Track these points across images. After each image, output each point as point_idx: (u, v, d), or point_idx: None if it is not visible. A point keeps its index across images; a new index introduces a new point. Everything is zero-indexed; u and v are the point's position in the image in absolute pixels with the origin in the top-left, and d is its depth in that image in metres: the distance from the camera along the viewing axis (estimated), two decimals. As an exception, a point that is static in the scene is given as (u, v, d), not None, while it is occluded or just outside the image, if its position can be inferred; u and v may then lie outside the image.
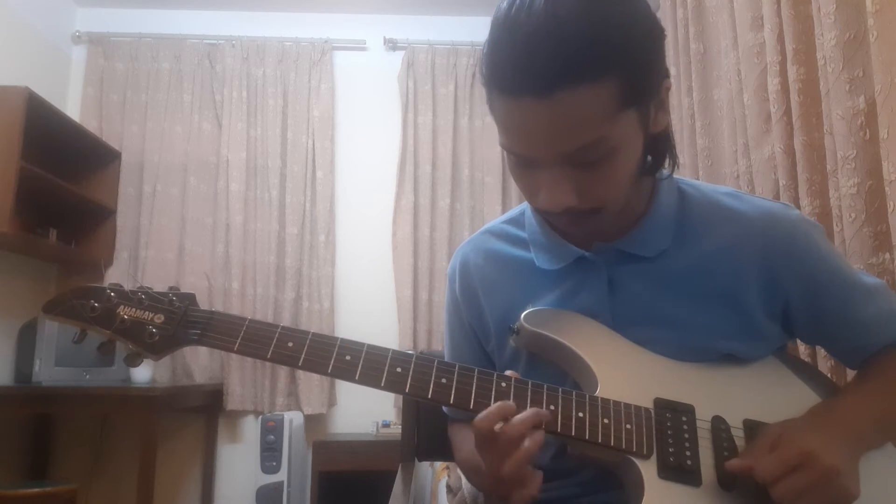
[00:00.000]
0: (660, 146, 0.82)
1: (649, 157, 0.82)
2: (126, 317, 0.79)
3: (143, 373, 2.93)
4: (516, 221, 0.97)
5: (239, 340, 0.79)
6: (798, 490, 0.72)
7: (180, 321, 0.80)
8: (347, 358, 0.78)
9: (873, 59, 1.11)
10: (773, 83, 1.52)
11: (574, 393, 0.78)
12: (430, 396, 0.77)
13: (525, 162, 0.76)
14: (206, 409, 3.26)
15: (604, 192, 0.76)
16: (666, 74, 0.77)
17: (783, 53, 1.49)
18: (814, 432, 0.77)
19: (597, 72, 0.67)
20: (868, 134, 1.17)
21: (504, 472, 0.72)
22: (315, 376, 3.22)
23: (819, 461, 0.72)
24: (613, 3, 0.69)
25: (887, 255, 1.14)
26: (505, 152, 0.78)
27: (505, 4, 0.71)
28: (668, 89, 0.78)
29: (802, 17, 1.40)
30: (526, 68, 0.68)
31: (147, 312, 0.80)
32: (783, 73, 1.49)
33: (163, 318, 0.80)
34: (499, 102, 0.73)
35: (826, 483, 0.72)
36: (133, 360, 0.81)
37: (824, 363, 1.27)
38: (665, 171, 0.87)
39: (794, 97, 1.42)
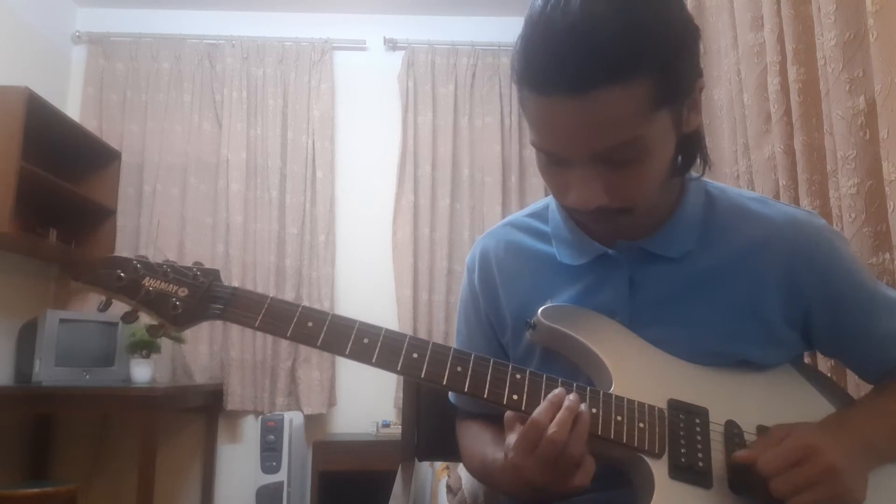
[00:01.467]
0: (691, 146, 0.82)
1: (679, 158, 0.81)
2: (151, 288, 0.80)
3: (143, 373, 2.93)
4: (539, 215, 0.97)
5: (260, 317, 0.79)
6: (797, 485, 0.70)
7: (204, 295, 0.81)
8: (365, 341, 0.79)
9: (873, 59, 1.10)
10: (773, 83, 1.52)
11: (588, 388, 0.78)
12: (444, 383, 0.78)
13: (556, 160, 0.75)
14: (206, 409, 3.26)
15: (634, 192, 0.76)
16: (699, 74, 0.76)
17: (783, 53, 1.48)
18: (823, 433, 0.76)
19: (632, 71, 0.67)
20: (868, 134, 1.16)
21: (571, 451, 0.71)
22: (315, 376, 3.23)
23: (822, 458, 0.71)
24: (649, 2, 0.68)
25: (887, 255, 1.14)
26: (535, 150, 0.77)
27: (540, 1, 0.70)
28: (702, 89, 0.77)
29: (802, 17, 1.40)
30: (560, 67, 0.67)
31: (171, 285, 0.81)
32: (783, 73, 1.49)
33: (187, 291, 0.81)
34: (531, 100, 0.72)
35: (827, 481, 0.71)
36: (155, 332, 0.82)
37: (824, 363, 1.27)
38: (695, 173, 0.86)
39: (794, 97, 1.42)
